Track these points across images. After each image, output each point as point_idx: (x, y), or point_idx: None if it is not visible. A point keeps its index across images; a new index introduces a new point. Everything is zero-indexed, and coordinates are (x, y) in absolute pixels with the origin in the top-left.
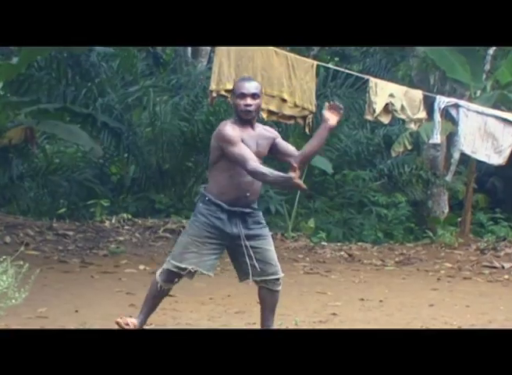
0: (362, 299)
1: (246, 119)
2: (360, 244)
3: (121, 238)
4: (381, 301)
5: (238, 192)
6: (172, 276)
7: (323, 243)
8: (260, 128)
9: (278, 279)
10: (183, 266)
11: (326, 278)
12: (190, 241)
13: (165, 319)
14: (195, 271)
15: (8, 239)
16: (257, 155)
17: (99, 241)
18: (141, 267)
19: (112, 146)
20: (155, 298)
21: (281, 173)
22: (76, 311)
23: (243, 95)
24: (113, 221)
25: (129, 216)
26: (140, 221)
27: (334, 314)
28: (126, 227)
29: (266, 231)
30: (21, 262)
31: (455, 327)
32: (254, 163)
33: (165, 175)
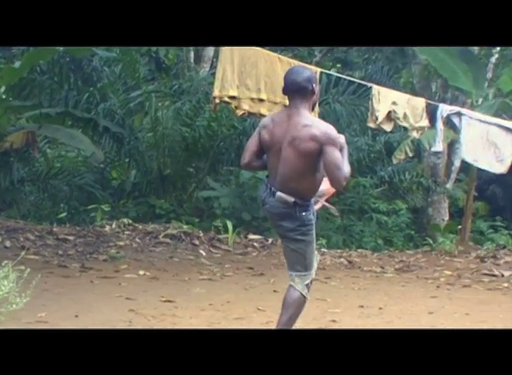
0: (362, 306)
1: None
2: (360, 251)
3: (121, 243)
4: (380, 308)
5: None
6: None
7: (323, 249)
8: None
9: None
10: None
11: (326, 285)
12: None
13: (164, 325)
14: None
15: (8, 243)
16: None
17: (99, 245)
18: (141, 272)
19: (113, 151)
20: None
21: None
22: (76, 316)
23: None
24: (113, 226)
25: (130, 221)
26: (140, 226)
27: (333, 321)
28: (127, 232)
29: None
30: (22, 267)
31: None
32: None
33: (165, 180)
